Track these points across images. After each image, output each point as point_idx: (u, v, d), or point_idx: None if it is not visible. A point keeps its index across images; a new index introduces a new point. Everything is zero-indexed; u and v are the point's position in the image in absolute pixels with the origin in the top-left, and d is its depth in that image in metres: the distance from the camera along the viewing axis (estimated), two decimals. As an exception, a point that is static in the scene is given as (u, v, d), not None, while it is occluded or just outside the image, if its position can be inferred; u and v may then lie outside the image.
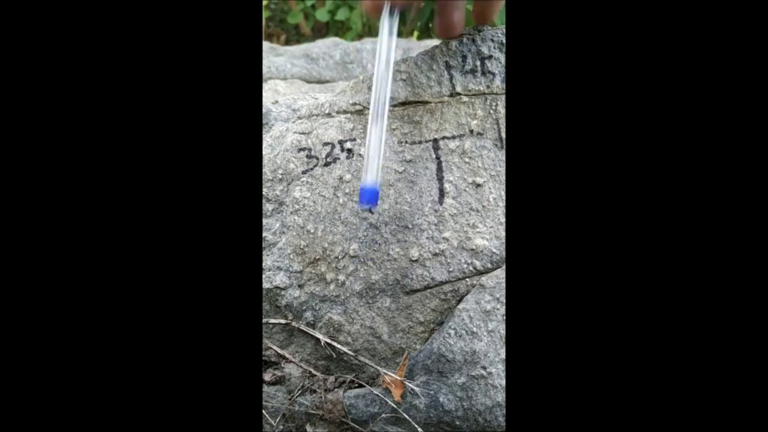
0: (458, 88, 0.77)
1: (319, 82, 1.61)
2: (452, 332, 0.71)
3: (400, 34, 2.17)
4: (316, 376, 0.77)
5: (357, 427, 0.74)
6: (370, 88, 0.80)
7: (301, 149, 0.79)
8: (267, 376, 0.78)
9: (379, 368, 0.74)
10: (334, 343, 0.75)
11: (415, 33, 2.22)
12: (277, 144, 0.82)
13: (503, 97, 0.76)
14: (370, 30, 2.34)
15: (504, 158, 0.75)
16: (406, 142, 0.77)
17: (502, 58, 0.77)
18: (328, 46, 1.66)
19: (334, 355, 0.76)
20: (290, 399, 0.76)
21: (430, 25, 2.12)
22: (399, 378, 0.72)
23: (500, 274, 0.72)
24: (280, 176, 0.80)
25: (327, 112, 0.81)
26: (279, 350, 0.79)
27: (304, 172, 0.78)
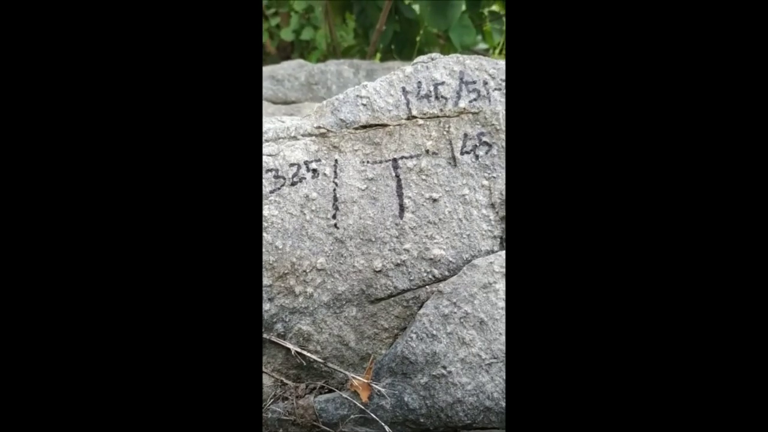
0: (414, 112, 0.84)
1: (285, 103, 1.66)
2: (414, 336, 0.77)
3: (363, 55, 2.24)
4: (287, 384, 0.81)
5: (328, 429, 0.78)
6: (332, 112, 0.86)
7: (268, 170, 0.84)
8: (241, 387, 0.82)
9: (347, 373, 0.79)
10: (305, 352, 0.80)
11: (378, 55, 2.29)
12: (247, 165, 0.86)
13: (455, 119, 0.83)
14: (335, 51, 2.40)
15: (457, 175, 0.82)
16: (368, 162, 0.83)
17: (454, 83, 0.85)
18: (293, 67, 1.72)
19: (305, 364, 0.80)
20: (263, 407, 0.80)
21: (392, 47, 2.19)
22: (366, 381, 0.77)
23: (456, 280, 0.78)
24: (250, 196, 0.84)
25: (293, 135, 0.86)
26: (252, 361, 0.82)
27: (272, 192, 0.83)
